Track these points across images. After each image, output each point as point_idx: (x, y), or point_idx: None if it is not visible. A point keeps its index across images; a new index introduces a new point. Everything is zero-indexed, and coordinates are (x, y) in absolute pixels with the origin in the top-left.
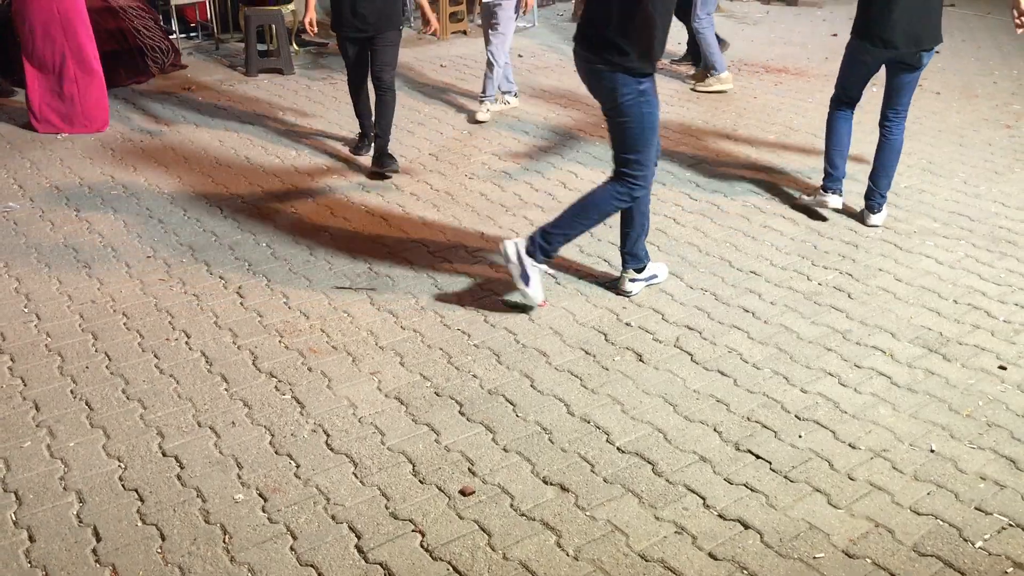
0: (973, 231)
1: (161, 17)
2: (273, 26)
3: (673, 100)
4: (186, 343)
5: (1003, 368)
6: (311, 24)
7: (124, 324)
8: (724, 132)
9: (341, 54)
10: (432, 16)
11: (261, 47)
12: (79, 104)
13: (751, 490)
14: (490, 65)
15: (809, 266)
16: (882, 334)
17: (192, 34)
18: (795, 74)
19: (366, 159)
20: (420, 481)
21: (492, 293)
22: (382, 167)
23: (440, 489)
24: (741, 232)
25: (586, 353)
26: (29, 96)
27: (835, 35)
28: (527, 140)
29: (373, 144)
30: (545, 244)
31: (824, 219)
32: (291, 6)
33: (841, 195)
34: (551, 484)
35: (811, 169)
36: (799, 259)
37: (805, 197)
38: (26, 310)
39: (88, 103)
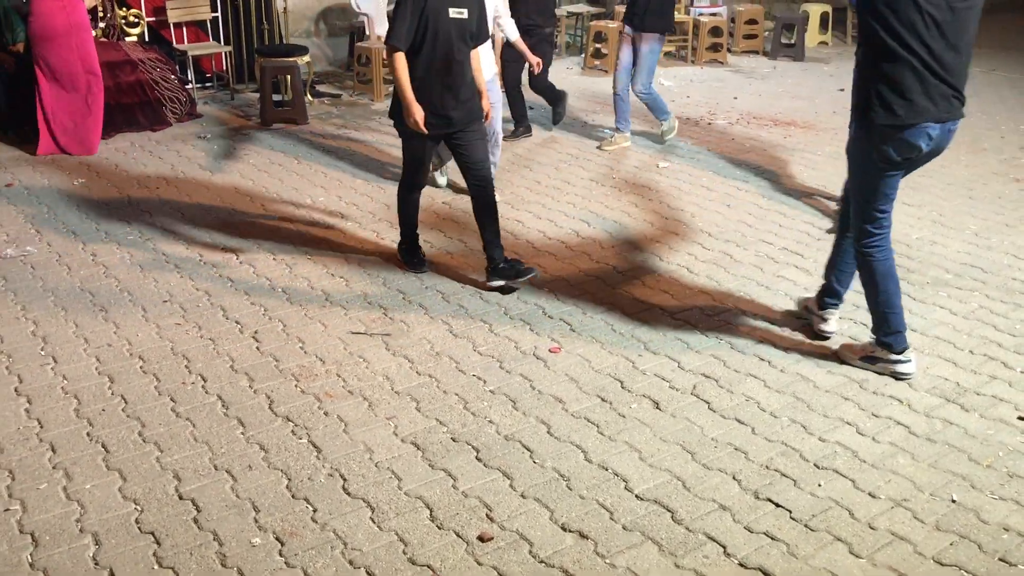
0: (986, 283)
1: (178, 67)
2: (288, 77)
3: (684, 153)
4: (203, 387)
5: (1022, 419)
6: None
7: (140, 368)
8: (736, 183)
9: (408, 153)
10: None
11: (277, 97)
12: (82, 127)
13: (771, 539)
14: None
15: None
16: (899, 384)
17: (208, 84)
18: (803, 127)
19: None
20: (438, 527)
21: (507, 339)
22: (519, 276)
23: (458, 535)
24: (755, 282)
25: (602, 400)
26: (48, 118)
27: (842, 90)
28: (539, 189)
29: (487, 256)
30: None
31: None
32: (306, 57)
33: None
34: (569, 531)
35: (824, 216)
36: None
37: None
38: (43, 353)
39: (88, 125)
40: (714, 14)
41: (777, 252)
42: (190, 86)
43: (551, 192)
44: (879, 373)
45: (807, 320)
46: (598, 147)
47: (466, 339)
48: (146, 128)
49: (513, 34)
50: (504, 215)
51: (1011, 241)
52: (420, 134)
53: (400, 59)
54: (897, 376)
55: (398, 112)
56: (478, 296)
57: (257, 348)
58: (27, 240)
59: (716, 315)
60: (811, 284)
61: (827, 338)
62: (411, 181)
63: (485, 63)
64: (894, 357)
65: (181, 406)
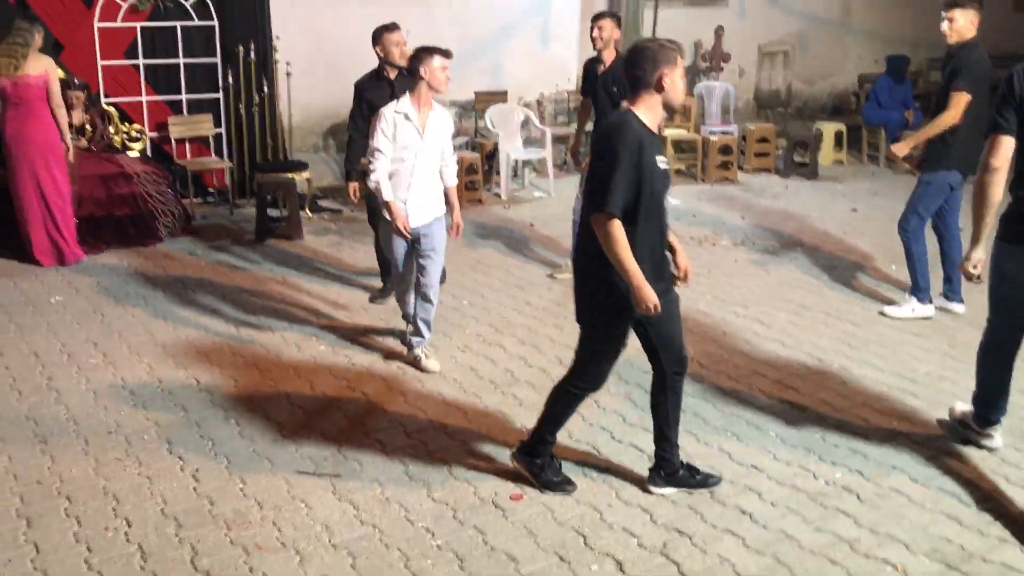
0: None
1: (177, 180)
2: (285, 193)
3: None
4: (125, 534)
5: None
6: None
7: (64, 510)
8: (733, 308)
9: (596, 353)
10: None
11: (275, 213)
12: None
13: None
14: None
15: (816, 461)
16: (894, 544)
17: (209, 198)
18: (811, 247)
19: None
20: None
21: (466, 483)
22: (702, 485)
23: None
24: (744, 420)
25: (560, 559)
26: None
27: (854, 209)
28: (528, 312)
29: (663, 456)
30: None
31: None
32: (305, 173)
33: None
34: None
35: (821, 350)
36: (805, 453)
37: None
38: None
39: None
40: (725, 132)
41: (769, 386)
42: (188, 200)
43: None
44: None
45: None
46: (549, 275)
47: (421, 482)
48: (136, 242)
49: None
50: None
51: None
52: (624, 329)
53: (618, 229)
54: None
55: (599, 305)
56: (442, 432)
57: (194, 488)
58: None
59: (697, 457)
60: (804, 424)
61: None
62: (590, 386)
63: None
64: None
65: (96, 556)
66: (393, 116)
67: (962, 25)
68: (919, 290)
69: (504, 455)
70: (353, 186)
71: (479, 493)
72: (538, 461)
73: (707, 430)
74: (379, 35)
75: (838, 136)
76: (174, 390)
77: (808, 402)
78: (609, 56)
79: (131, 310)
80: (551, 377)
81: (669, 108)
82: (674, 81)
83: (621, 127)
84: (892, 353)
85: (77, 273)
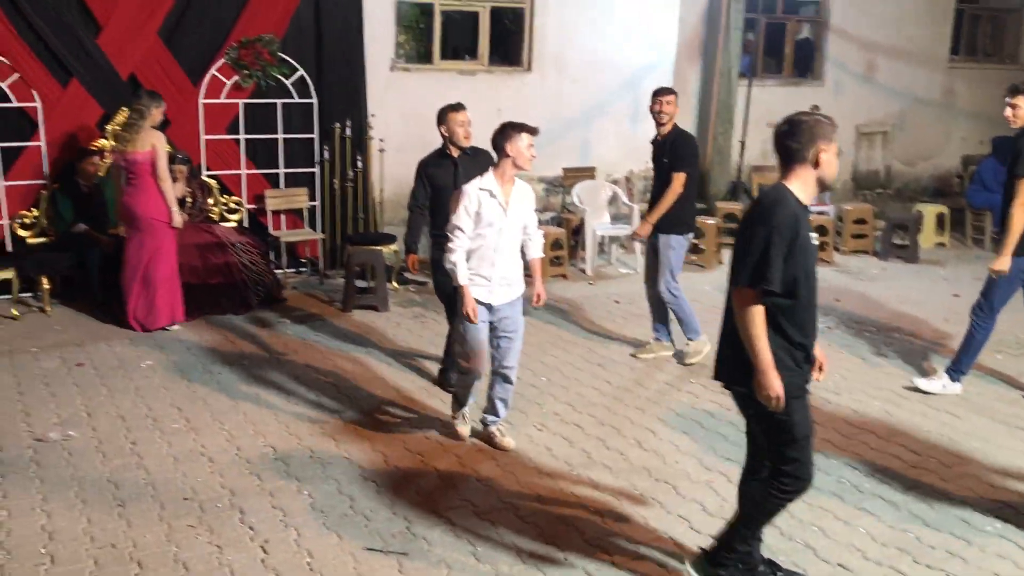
0: None
1: (271, 251)
2: (373, 265)
3: None
4: None
5: None
6: None
7: (135, 575)
8: (825, 395)
9: (790, 431)
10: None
11: (363, 284)
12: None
13: None
14: None
15: (910, 563)
16: None
17: (302, 269)
18: (909, 333)
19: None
20: None
21: (536, 569)
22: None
23: None
24: (832, 514)
25: None
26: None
27: (957, 295)
28: (608, 391)
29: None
30: None
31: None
32: (393, 246)
33: None
34: None
35: (919, 443)
36: (897, 553)
37: None
38: (43, 551)
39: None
40: (820, 212)
41: (862, 480)
42: (280, 271)
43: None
44: None
45: None
46: (632, 354)
47: (489, 564)
48: (228, 310)
49: None
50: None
51: None
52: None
53: (759, 309)
54: None
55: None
56: (513, 513)
57: (262, 560)
58: (75, 423)
59: (780, 552)
60: (897, 522)
61: None
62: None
63: None
64: None
65: None
66: (477, 193)
67: None
68: (958, 371)
69: (571, 543)
70: (412, 259)
71: None
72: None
73: (792, 523)
74: (444, 115)
75: (939, 218)
76: (251, 459)
77: (901, 500)
78: (667, 129)
79: (216, 377)
80: (628, 460)
81: (823, 185)
82: (831, 158)
83: (778, 201)
84: (996, 448)
85: (169, 339)
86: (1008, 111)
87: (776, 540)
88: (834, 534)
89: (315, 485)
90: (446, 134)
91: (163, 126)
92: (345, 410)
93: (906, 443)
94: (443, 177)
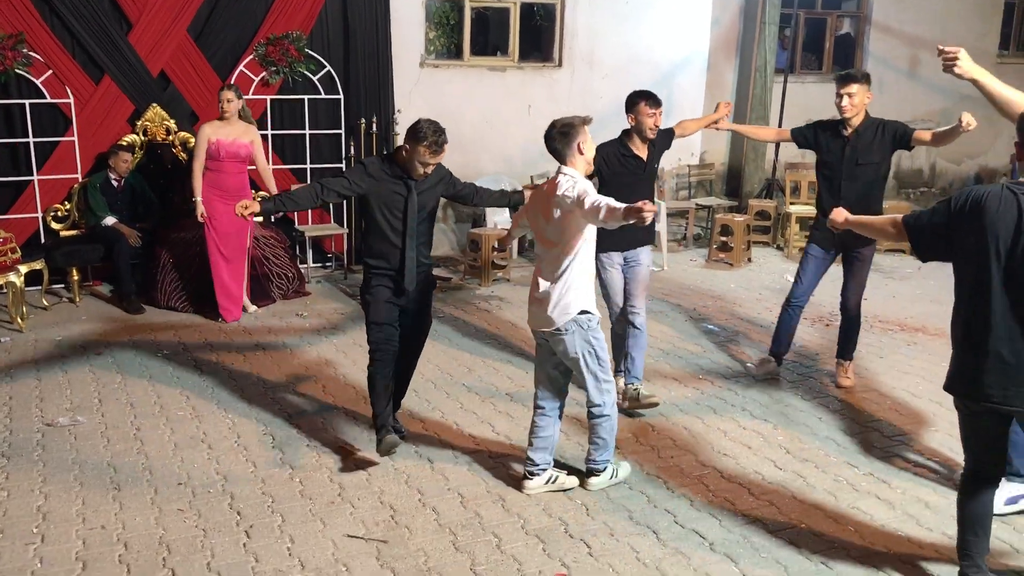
0: None
1: (296, 245)
2: None
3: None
4: None
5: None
6: None
7: (119, 557)
8: (828, 400)
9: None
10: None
11: None
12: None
13: None
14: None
15: None
16: None
17: (328, 263)
18: (933, 335)
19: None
20: None
21: (513, 558)
22: None
23: None
24: (823, 513)
25: None
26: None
27: None
28: None
29: None
30: None
31: None
32: None
33: None
34: None
35: (933, 447)
36: None
37: None
38: (35, 531)
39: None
40: None
41: (859, 478)
42: (305, 266)
43: None
44: None
45: None
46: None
47: (467, 554)
48: (252, 302)
49: None
50: None
51: None
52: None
53: None
54: None
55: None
56: (500, 504)
57: (244, 545)
58: (85, 410)
59: (763, 550)
60: (888, 521)
61: None
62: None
63: None
64: None
65: None
66: None
67: None
68: None
69: (553, 534)
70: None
71: (523, 570)
72: None
73: (781, 520)
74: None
75: None
76: (249, 446)
77: (894, 496)
78: (857, 121)
79: (228, 367)
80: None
81: None
82: None
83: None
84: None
85: (187, 329)
86: (844, 101)
87: (577, 520)
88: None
89: (307, 473)
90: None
91: (191, 120)
92: (349, 401)
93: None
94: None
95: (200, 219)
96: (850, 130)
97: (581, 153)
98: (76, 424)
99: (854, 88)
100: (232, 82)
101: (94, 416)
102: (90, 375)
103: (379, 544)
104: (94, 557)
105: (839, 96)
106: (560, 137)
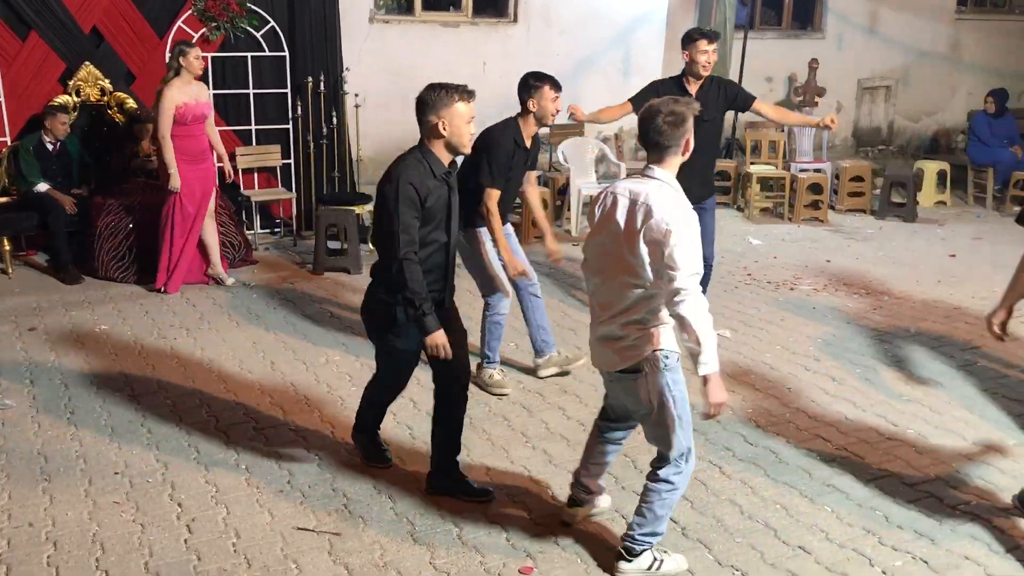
0: None
1: (242, 211)
2: (345, 226)
3: (753, 318)
4: None
5: None
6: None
7: (48, 558)
8: (803, 361)
9: None
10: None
11: (335, 245)
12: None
13: None
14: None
15: (875, 544)
16: None
17: (276, 229)
18: (898, 298)
19: None
20: None
21: (475, 551)
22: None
23: None
24: (797, 491)
25: None
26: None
27: (953, 255)
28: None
29: None
30: None
31: None
32: (368, 206)
33: None
34: None
35: (897, 412)
36: (863, 533)
37: None
38: None
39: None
40: (817, 170)
41: (834, 452)
42: (252, 232)
43: None
44: None
45: None
46: None
47: (426, 546)
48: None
49: None
50: None
51: None
52: None
53: None
54: None
55: None
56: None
57: (185, 540)
58: (15, 393)
59: (738, 534)
60: (866, 499)
61: None
62: None
63: None
64: None
65: None
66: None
67: None
68: None
69: (517, 525)
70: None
71: (486, 564)
72: None
73: (754, 500)
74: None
75: (941, 176)
76: (189, 430)
77: (871, 475)
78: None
79: (171, 343)
80: (586, 430)
81: None
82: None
83: None
84: (979, 419)
85: (127, 300)
86: (709, 58)
87: (734, 519)
88: (798, 513)
89: (254, 459)
90: None
91: (128, 80)
92: (298, 379)
93: (885, 413)
94: None
95: (174, 188)
96: (695, 87)
97: (685, 153)
98: (4, 408)
99: (716, 46)
100: (173, 37)
101: (24, 399)
102: (22, 353)
103: (331, 537)
104: (19, 560)
105: (704, 53)
106: (669, 129)
